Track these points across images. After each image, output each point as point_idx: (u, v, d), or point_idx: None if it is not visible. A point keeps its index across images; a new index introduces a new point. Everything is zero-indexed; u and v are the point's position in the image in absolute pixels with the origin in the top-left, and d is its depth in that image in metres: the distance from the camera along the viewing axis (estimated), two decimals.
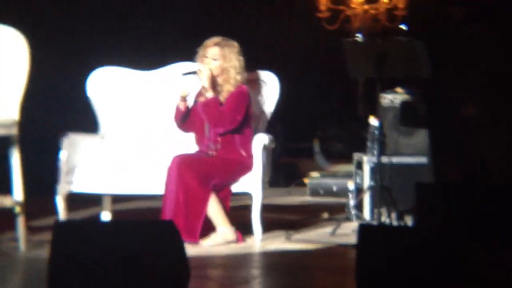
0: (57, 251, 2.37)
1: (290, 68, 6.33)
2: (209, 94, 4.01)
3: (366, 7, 6.84)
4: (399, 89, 4.85)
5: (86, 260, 2.34)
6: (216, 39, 4.06)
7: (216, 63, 4.03)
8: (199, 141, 4.15)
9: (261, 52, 6.47)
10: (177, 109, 4.11)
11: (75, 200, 4.21)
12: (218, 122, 3.99)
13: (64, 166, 4.08)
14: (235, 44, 4.07)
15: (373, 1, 6.84)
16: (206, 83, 4.00)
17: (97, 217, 4.44)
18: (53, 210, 4.09)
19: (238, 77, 4.04)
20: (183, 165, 3.90)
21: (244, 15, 6.97)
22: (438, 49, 4.14)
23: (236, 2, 6.96)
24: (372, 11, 6.82)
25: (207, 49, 4.05)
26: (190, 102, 4.10)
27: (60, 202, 4.06)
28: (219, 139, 4.06)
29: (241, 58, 4.05)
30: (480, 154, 4.11)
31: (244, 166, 4.06)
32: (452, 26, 4.12)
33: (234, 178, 4.04)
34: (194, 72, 4.03)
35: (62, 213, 4.05)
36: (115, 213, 4.46)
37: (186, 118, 4.11)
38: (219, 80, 4.06)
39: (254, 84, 4.30)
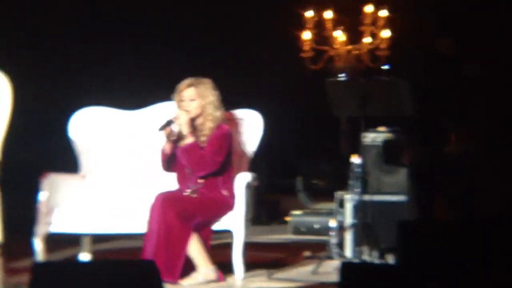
0: None
1: (274, 107, 6.37)
2: (189, 140, 4.01)
3: (349, 47, 6.93)
4: (381, 128, 4.89)
5: None
6: (188, 80, 4.07)
7: (194, 104, 4.04)
8: (180, 181, 4.14)
9: (245, 90, 6.52)
10: (163, 152, 4.10)
11: (54, 241, 4.15)
12: (199, 166, 4.00)
13: (43, 207, 4.04)
14: (208, 80, 4.08)
15: (356, 41, 6.93)
16: (185, 129, 4.00)
17: (76, 258, 4.38)
18: (31, 251, 4.04)
19: (217, 113, 4.05)
20: (166, 203, 3.88)
21: (228, 54, 7.03)
22: (430, 87, 4.19)
23: (220, 41, 7.03)
24: (355, 52, 6.91)
25: (182, 92, 4.06)
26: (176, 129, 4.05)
27: (38, 244, 4.01)
28: (199, 180, 4.05)
29: (216, 93, 4.07)
30: (470, 193, 4.12)
31: (226, 205, 4.04)
32: (446, 65, 4.18)
33: (216, 217, 4.02)
34: (170, 122, 4.02)
35: (40, 254, 4.00)
36: (94, 253, 4.41)
37: (172, 160, 4.09)
38: (199, 119, 4.07)
39: (238, 122, 4.31)
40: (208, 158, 3.99)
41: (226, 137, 4.06)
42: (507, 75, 4.24)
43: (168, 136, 4.02)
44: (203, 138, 4.05)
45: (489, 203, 4.08)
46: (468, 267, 2.56)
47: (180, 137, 4.07)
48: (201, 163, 3.98)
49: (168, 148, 4.06)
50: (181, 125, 4.00)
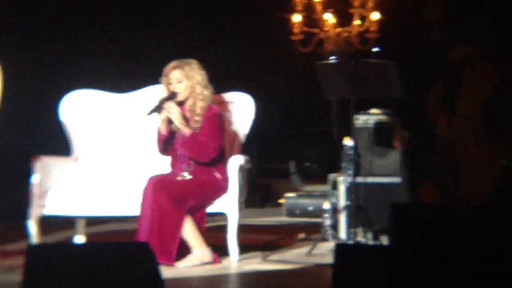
0: (30, 276, 2.33)
1: (265, 89, 6.37)
2: (186, 131, 3.99)
3: (339, 30, 6.91)
4: (373, 110, 4.90)
5: (59, 284, 2.30)
6: (173, 63, 4.05)
7: (181, 85, 4.03)
8: (173, 164, 4.14)
9: (236, 74, 6.50)
10: (159, 133, 4.09)
11: (48, 223, 4.15)
12: (202, 154, 3.99)
13: (36, 189, 4.03)
14: (193, 61, 4.07)
15: (345, 24, 6.92)
16: (178, 121, 3.98)
17: (70, 240, 4.38)
18: (25, 234, 4.03)
19: (206, 92, 4.05)
20: (159, 186, 3.88)
21: (219, 37, 7.01)
22: (422, 70, 4.20)
23: (211, 24, 7.00)
24: (345, 34, 6.90)
25: (168, 75, 4.04)
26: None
27: (32, 226, 4.00)
28: (191, 161, 4.05)
29: (203, 72, 4.06)
30: (458, 177, 4.15)
31: (220, 188, 4.04)
32: (439, 49, 4.19)
33: (210, 199, 4.03)
34: (159, 108, 3.99)
35: (34, 237, 3.99)
36: (89, 236, 4.41)
37: (168, 141, 4.09)
38: (189, 100, 4.05)
39: (229, 105, 4.31)
40: (207, 147, 3.98)
41: (216, 119, 4.06)
42: (497, 59, 4.25)
43: (163, 117, 4.02)
44: (197, 118, 4.04)
45: (476, 189, 4.10)
46: (459, 249, 2.59)
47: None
48: (202, 151, 3.98)
49: (163, 128, 4.06)
50: (174, 119, 3.98)
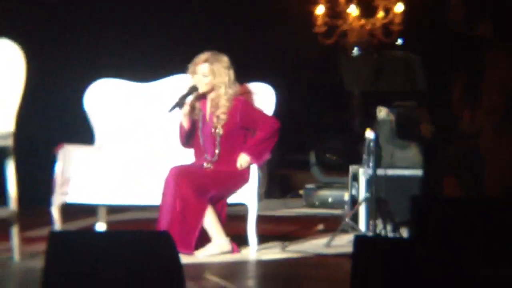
0: (52, 262, 2.36)
1: (287, 81, 6.36)
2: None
3: (362, 22, 6.88)
4: (396, 103, 4.88)
5: (80, 271, 2.33)
6: (205, 55, 4.03)
7: (206, 80, 4.03)
8: (196, 154, 4.16)
9: (258, 65, 6.50)
10: (181, 128, 4.10)
11: (70, 211, 4.21)
12: (270, 133, 4.02)
13: (59, 177, 4.08)
14: (225, 58, 4.04)
15: (369, 16, 6.88)
16: (185, 122, 4.01)
17: (92, 227, 4.43)
18: (48, 221, 4.09)
19: (230, 91, 4.04)
20: (181, 176, 3.91)
21: (242, 28, 7.01)
22: (443, 63, 4.17)
23: (234, 15, 7.00)
24: (369, 26, 6.86)
25: (197, 66, 4.04)
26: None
27: (55, 213, 4.06)
28: (216, 151, 4.07)
29: (231, 72, 4.04)
30: (482, 171, 4.12)
31: (241, 178, 4.06)
32: (458, 39, 4.15)
33: (231, 190, 4.05)
34: (180, 104, 4.00)
35: (57, 223, 4.05)
36: (110, 224, 4.46)
37: (191, 136, 4.10)
38: (212, 94, 4.06)
39: (250, 96, 4.32)
40: (266, 120, 4.03)
41: (248, 103, 4.10)
42: None
43: (185, 112, 4.04)
44: (222, 116, 4.05)
45: (499, 182, 4.07)
46: (479, 243, 2.57)
47: (194, 109, 4.08)
48: (268, 133, 4.01)
49: (186, 123, 4.08)
50: (182, 116, 4.01)
